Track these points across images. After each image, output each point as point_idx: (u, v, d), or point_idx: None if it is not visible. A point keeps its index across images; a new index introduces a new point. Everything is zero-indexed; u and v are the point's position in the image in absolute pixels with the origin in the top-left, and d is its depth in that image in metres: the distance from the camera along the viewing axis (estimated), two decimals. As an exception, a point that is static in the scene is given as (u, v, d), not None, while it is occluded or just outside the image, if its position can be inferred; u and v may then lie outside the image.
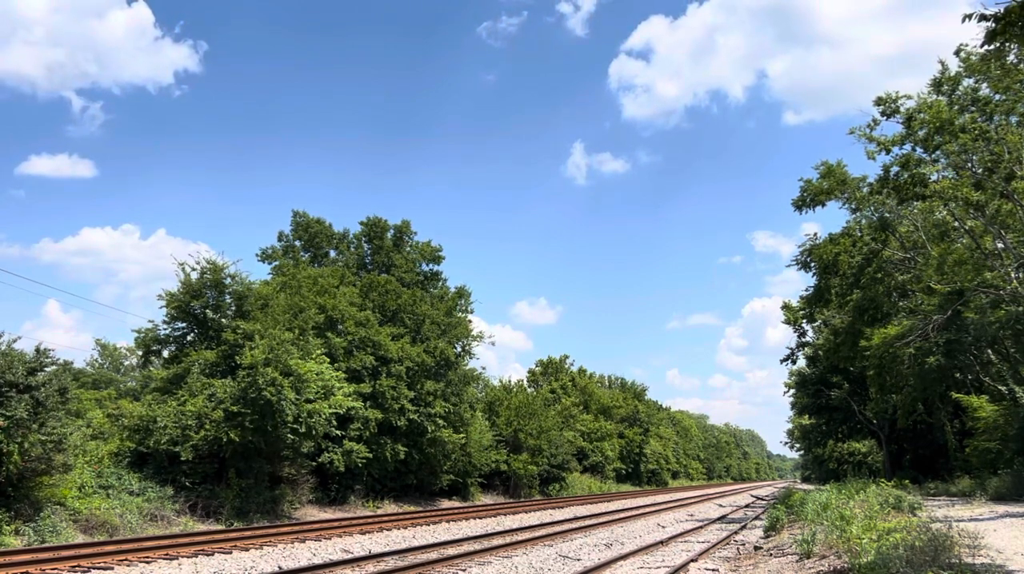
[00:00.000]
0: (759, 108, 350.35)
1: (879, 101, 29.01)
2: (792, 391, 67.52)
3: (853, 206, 34.88)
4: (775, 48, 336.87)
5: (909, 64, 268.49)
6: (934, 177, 26.58)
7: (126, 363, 65.92)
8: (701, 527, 25.10)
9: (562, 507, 37.82)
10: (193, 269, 27.39)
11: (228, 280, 27.91)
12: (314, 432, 25.79)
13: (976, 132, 24.81)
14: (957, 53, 25.83)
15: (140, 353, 29.36)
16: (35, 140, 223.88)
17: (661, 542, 19.61)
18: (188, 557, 15.55)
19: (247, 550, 16.94)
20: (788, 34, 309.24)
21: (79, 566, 14.01)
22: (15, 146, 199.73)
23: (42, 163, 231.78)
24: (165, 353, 28.88)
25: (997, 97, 25.94)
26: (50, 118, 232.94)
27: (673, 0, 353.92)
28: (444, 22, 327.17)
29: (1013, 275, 26.44)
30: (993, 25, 8.87)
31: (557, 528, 23.61)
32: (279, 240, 44.22)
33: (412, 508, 33.89)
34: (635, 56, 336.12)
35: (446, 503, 38.64)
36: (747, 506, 40.95)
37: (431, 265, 46.24)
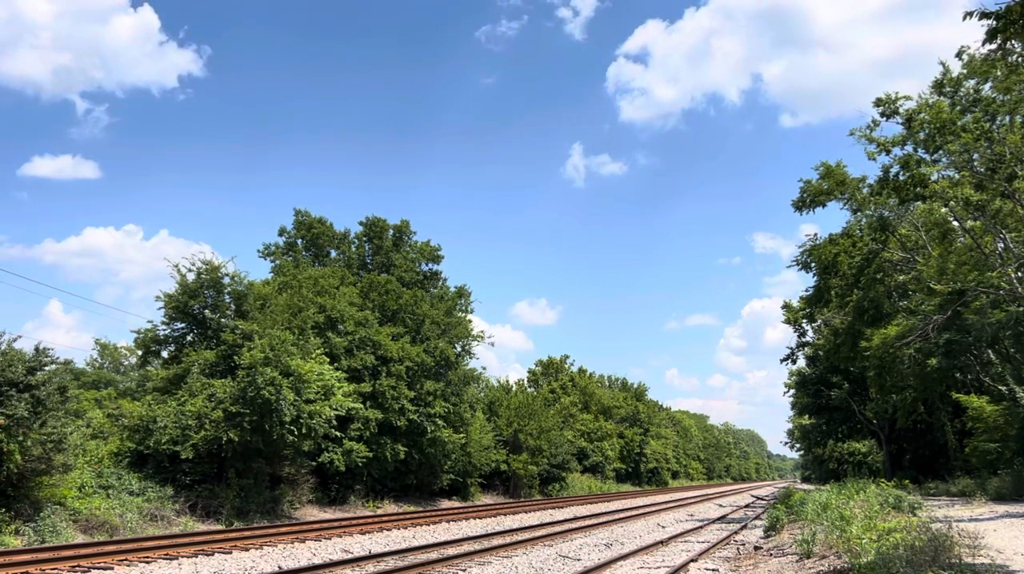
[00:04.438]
0: (756, 111, 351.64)
1: (879, 102, 28.95)
2: (792, 391, 67.49)
3: (853, 207, 34.84)
4: (771, 52, 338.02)
5: (905, 67, 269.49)
6: (935, 177, 26.54)
7: (126, 363, 65.84)
8: (701, 527, 25.08)
9: (562, 507, 37.79)
10: (189, 270, 27.37)
11: (226, 280, 27.87)
12: (313, 433, 25.76)
13: (978, 132, 24.78)
14: (959, 55, 25.78)
15: (140, 353, 29.32)
16: (38, 142, 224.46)
17: (661, 542, 19.59)
18: (188, 557, 15.54)
19: (247, 550, 16.92)
20: (784, 38, 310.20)
21: (79, 566, 13.99)
22: (18, 148, 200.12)
23: (45, 164, 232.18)
24: (164, 353, 28.84)
25: (1000, 97, 25.90)
26: (54, 120, 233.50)
27: (670, 5, 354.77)
28: (444, 26, 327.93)
29: (1013, 275, 26.42)
30: (994, 23, 8.86)
31: (557, 528, 23.58)
32: (280, 235, 44.11)
33: (412, 508, 33.86)
34: (633, 60, 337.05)
35: (446, 503, 38.61)
36: (747, 506, 40.93)
37: (431, 265, 46.18)
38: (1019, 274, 26.49)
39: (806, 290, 41.26)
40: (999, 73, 24.55)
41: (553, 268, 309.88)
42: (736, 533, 22.32)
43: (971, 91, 27.27)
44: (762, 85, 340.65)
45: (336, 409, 27.06)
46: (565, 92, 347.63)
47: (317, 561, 14.98)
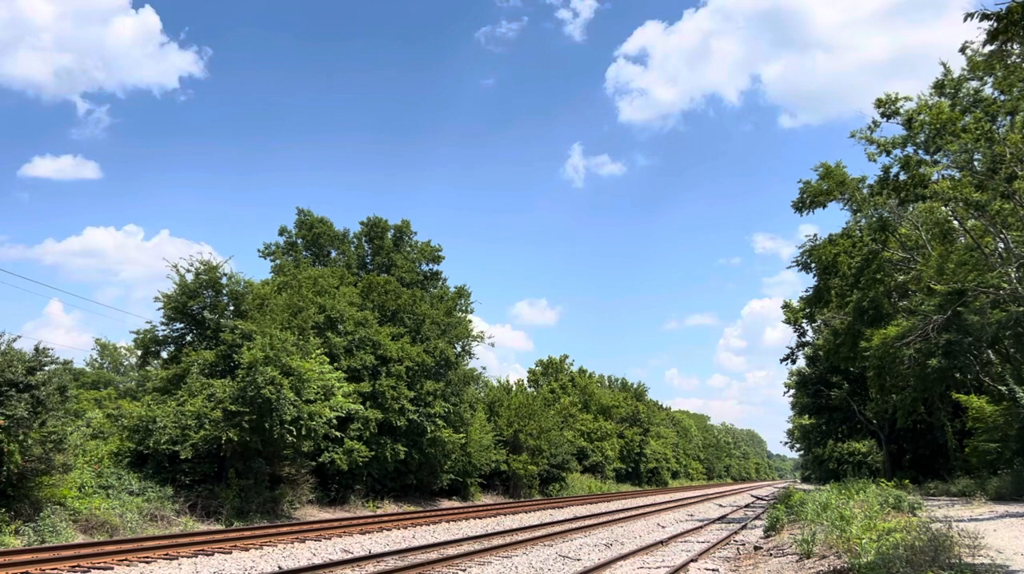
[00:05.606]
0: (754, 112, 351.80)
1: (879, 103, 28.98)
2: (792, 391, 67.53)
3: (853, 207, 34.87)
4: (770, 53, 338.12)
5: (903, 68, 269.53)
6: (935, 177, 26.56)
7: (126, 363, 65.86)
8: (701, 527, 25.08)
9: (562, 507, 37.79)
10: (188, 270, 27.37)
11: (224, 279, 27.87)
12: (313, 434, 25.77)
13: (978, 132, 24.79)
14: (963, 50, 25.77)
15: (139, 353, 29.32)
16: (39, 142, 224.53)
17: (661, 542, 19.59)
18: (188, 557, 15.54)
19: (247, 550, 16.92)
20: (783, 39, 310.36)
21: (79, 566, 13.99)
22: (19, 148, 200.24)
23: (46, 165, 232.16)
24: (164, 354, 28.85)
25: (1001, 97, 25.91)
26: (55, 121, 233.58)
27: (669, 6, 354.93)
28: (444, 27, 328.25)
29: (1013, 275, 26.42)
30: (995, 24, 8.86)
31: (557, 528, 23.59)
32: (280, 234, 44.20)
33: (412, 508, 33.87)
34: (632, 61, 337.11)
35: (446, 503, 38.62)
36: (747, 506, 40.93)
37: (431, 265, 46.24)
38: (1019, 274, 26.48)
39: (806, 290, 41.34)
40: (999, 73, 24.57)
41: (553, 268, 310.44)
42: (736, 533, 22.33)
43: (971, 92, 27.27)
44: (761, 86, 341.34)
45: (336, 410, 27.07)
46: (565, 93, 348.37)
47: (317, 561, 14.98)
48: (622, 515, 30.71)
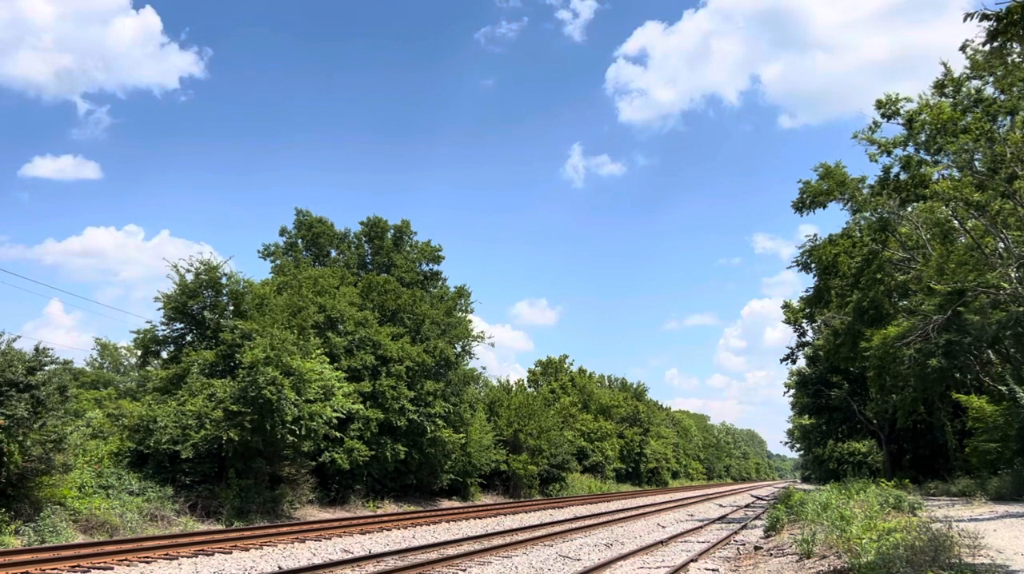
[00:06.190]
0: (754, 112, 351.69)
1: (880, 104, 29.01)
2: (792, 391, 67.55)
3: (854, 207, 34.89)
4: (769, 53, 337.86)
5: (903, 68, 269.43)
6: (935, 177, 26.58)
7: (126, 363, 65.84)
8: (701, 527, 25.09)
9: (562, 507, 37.79)
10: (188, 270, 27.38)
11: (224, 279, 27.88)
12: (313, 434, 25.77)
13: (979, 132, 24.81)
14: (962, 49, 25.78)
15: (139, 353, 29.33)
16: (40, 143, 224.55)
17: (661, 542, 19.59)
18: (188, 557, 15.54)
19: (247, 550, 16.92)
20: (782, 39, 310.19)
21: (79, 566, 13.99)
22: (19, 148, 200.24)
23: (46, 165, 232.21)
24: (164, 353, 28.85)
25: (1002, 97, 25.92)
26: (55, 121, 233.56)
27: (669, 6, 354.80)
28: (444, 27, 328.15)
29: (1013, 275, 26.42)
30: (994, 24, 8.86)
31: (557, 528, 23.59)
32: (281, 235, 44.23)
33: (412, 508, 33.87)
34: (631, 61, 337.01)
35: (446, 503, 38.62)
36: (747, 506, 40.93)
37: (431, 265, 46.24)
38: (1019, 274, 26.48)
39: (806, 291, 41.37)
40: (999, 72, 24.59)
41: (553, 268, 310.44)
42: (736, 533, 22.33)
43: (972, 92, 27.27)
44: (760, 86, 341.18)
45: (336, 410, 27.09)
46: (564, 93, 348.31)
47: (317, 561, 14.98)
48: (622, 515, 30.71)
